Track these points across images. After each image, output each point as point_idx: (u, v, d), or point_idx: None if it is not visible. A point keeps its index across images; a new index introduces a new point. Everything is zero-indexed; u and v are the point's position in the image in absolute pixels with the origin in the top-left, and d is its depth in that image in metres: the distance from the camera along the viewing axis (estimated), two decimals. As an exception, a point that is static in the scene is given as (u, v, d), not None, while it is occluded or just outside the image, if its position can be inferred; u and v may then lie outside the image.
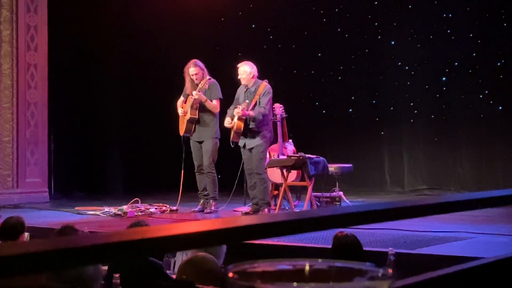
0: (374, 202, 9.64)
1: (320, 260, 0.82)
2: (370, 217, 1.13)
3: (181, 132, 8.64)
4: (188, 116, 8.47)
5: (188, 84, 8.50)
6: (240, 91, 8.33)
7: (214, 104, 8.41)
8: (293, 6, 12.00)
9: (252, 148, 8.10)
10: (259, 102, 8.02)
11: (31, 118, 10.83)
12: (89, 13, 12.09)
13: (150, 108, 12.41)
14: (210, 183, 8.51)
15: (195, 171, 8.66)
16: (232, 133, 8.20)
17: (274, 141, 8.50)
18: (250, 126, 8.05)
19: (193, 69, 8.38)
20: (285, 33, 12.09)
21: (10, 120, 10.65)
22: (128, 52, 12.53)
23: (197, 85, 8.36)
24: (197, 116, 8.45)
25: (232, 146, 8.31)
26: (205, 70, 8.46)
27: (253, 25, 12.42)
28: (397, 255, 4.68)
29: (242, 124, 8.04)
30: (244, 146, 8.18)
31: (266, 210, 7.99)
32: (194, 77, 8.38)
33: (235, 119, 8.06)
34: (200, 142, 8.54)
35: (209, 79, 8.40)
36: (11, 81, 10.67)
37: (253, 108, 8.04)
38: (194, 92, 8.33)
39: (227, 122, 8.20)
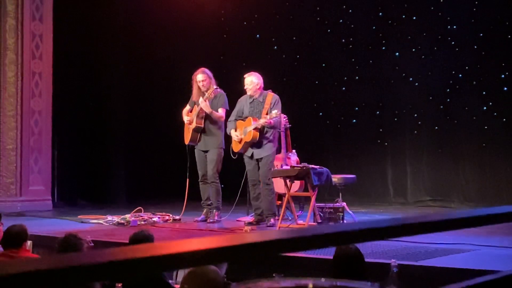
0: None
1: (323, 279, 0.83)
2: (382, 233, 1.12)
3: (186, 141, 8.65)
4: (193, 125, 8.48)
5: (195, 92, 8.52)
6: (244, 102, 8.31)
7: (219, 114, 8.42)
8: (298, 16, 12.03)
9: (261, 158, 8.10)
10: (270, 111, 8.02)
11: (35, 126, 10.85)
12: (94, 22, 12.12)
13: (154, 117, 12.43)
14: (214, 192, 8.51)
15: (199, 180, 8.66)
16: (240, 144, 8.17)
17: (278, 151, 8.50)
18: (267, 135, 8.05)
19: (201, 76, 8.42)
20: (290, 43, 12.12)
21: (14, 128, 10.67)
22: (133, 61, 12.56)
23: (204, 93, 8.38)
24: (202, 125, 8.46)
25: (234, 157, 8.30)
26: (213, 79, 8.48)
27: (258, 35, 12.45)
28: (399, 267, 4.67)
29: (257, 134, 8.03)
30: (252, 156, 8.16)
31: (272, 220, 7.98)
32: (201, 84, 8.40)
33: (250, 128, 8.02)
34: (205, 151, 8.55)
35: (216, 88, 8.42)
36: (16, 89, 10.70)
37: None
38: (200, 99, 8.36)
39: (235, 135, 8.19)
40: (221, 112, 8.44)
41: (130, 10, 12.54)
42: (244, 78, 8.29)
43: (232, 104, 8.56)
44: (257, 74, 8.28)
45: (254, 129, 7.99)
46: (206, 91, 8.38)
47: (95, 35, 12.23)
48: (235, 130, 8.23)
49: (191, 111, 8.64)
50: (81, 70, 12.10)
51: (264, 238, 0.87)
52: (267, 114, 8.01)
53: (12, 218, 8.53)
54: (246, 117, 8.17)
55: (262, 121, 7.94)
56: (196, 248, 0.76)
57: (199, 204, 8.75)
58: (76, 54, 11.93)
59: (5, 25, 10.67)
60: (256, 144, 8.08)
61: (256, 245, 0.84)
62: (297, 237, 0.91)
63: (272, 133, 8.09)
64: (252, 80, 8.18)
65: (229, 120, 8.38)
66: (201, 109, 8.40)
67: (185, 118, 8.64)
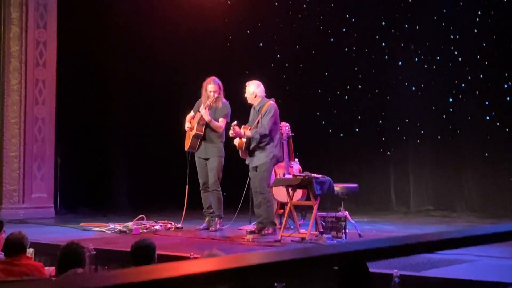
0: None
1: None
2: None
3: (186, 147, 8.66)
4: (194, 131, 8.50)
5: (204, 99, 8.54)
6: (251, 111, 8.37)
7: (218, 124, 8.43)
8: (301, 25, 12.05)
9: (256, 166, 8.11)
10: (261, 121, 8.05)
11: (38, 133, 10.86)
12: (98, 29, 12.15)
13: (157, 125, 12.43)
14: (215, 200, 8.51)
15: (200, 188, 8.65)
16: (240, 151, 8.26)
17: (280, 160, 8.49)
18: (251, 146, 8.08)
19: (212, 87, 8.45)
20: (293, 52, 12.13)
21: (17, 135, 10.68)
22: (136, 69, 12.57)
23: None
24: (202, 133, 8.48)
25: (247, 163, 8.33)
26: (222, 88, 8.52)
27: (261, 44, 12.47)
28: (401, 277, 4.67)
29: (243, 143, 8.09)
30: (250, 164, 8.20)
31: (271, 229, 7.98)
32: (212, 94, 8.43)
33: (237, 138, 8.11)
34: (206, 159, 8.56)
35: (217, 97, 8.45)
36: (19, 96, 10.72)
37: (256, 127, 8.06)
38: (201, 107, 8.39)
39: (235, 141, 8.24)
40: (221, 122, 8.45)
41: (134, 18, 12.56)
42: (245, 86, 8.34)
43: (234, 111, 8.59)
44: (256, 82, 8.29)
45: (239, 137, 8.08)
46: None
47: (99, 43, 12.25)
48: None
49: (193, 118, 8.66)
50: (84, 77, 12.12)
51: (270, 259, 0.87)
52: (258, 123, 8.06)
53: (14, 225, 8.53)
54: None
55: (230, 132, 8.04)
56: (199, 271, 0.76)
57: (201, 212, 8.75)
58: (80, 61, 11.95)
59: (9, 33, 10.70)
60: (251, 152, 8.12)
61: (264, 267, 0.84)
62: (310, 257, 0.91)
63: (261, 143, 8.05)
64: (248, 89, 8.25)
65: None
66: (202, 116, 8.43)
67: (187, 124, 8.67)
